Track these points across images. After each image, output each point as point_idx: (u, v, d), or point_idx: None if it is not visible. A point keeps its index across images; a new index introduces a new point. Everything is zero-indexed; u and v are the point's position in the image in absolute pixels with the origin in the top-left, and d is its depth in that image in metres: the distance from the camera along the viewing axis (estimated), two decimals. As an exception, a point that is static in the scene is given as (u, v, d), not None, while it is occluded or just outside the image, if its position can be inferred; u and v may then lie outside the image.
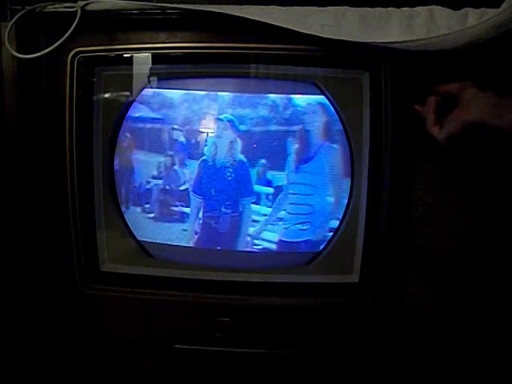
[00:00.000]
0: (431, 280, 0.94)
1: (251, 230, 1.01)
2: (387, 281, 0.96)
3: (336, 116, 0.94)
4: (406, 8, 0.85)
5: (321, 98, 0.94)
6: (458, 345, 0.95)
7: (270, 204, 1.00)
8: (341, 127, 0.95)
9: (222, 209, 1.00)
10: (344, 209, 0.97)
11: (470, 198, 0.91)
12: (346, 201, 0.97)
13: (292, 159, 0.97)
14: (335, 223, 0.98)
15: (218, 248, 1.03)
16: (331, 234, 0.99)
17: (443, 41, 0.80)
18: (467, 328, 0.94)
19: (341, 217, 0.98)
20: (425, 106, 0.86)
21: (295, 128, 0.97)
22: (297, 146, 0.97)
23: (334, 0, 0.86)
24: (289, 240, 1.01)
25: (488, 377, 0.94)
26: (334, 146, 0.97)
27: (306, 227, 1.00)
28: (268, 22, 0.83)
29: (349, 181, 0.96)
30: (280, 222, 1.00)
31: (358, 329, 0.98)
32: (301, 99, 0.96)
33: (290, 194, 0.99)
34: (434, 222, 0.93)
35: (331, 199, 0.99)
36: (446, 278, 0.94)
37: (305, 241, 1.01)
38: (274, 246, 1.02)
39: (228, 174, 0.99)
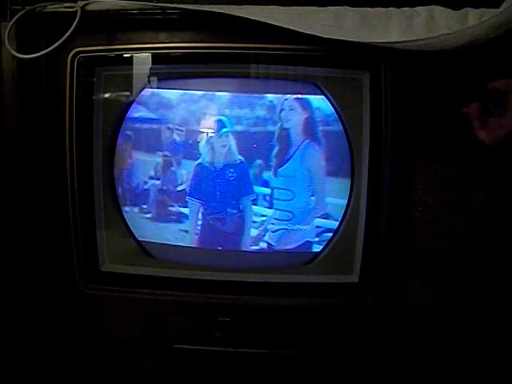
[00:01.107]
0: (431, 280, 0.94)
1: (251, 231, 1.01)
2: (387, 281, 0.96)
3: (336, 116, 0.94)
4: (406, 8, 0.85)
5: (321, 97, 0.95)
6: (459, 345, 0.95)
7: (267, 205, 1.00)
8: (341, 127, 0.95)
9: (220, 210, 1.00)
10: (344, 209, 0.97)
11: (470, 198, 0.91)
12: (345, 201, 0.97)
13: (293, 159, 0.98)
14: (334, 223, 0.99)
15: (219, 248, 1.03)
16: (331, 234, 0.99)
17: (443, 41, 0.80)
18: (467, 328, 0.94)
19: (340, 217, 0.98)
20: (470, 108, 0.84)
21: (294, 128, 0.97)
22: (298, 147, 0.97)
23: (334, 0, 0.86)
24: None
25: (488, 377, 0.94)
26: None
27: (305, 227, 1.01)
28: (268, 21, 0.83)
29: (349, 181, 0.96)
30: (278, 223, 1.01)
31: (358, 329, 0.98)
32: (300, 100, 0.96)
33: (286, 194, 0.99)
34: (434, 222, 0.93)
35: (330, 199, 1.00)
36: (446, 278, 0.94)
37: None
38: (272, 247, 1.02)
39: (225, 175, 0.99)
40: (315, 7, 0.86)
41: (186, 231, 1.02)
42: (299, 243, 1.01)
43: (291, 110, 0.96)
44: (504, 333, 0.93)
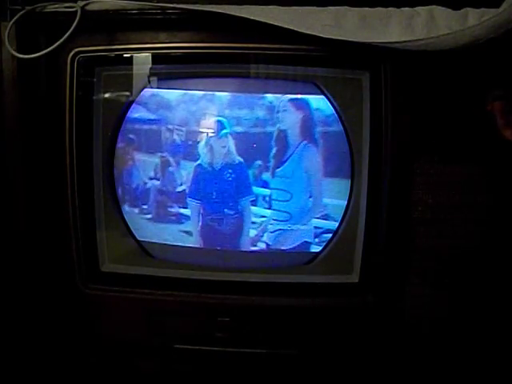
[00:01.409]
0: (431, 280, 0.94)
1: (250, 231, 1.01)
2: (387, 281, 0.96)
3: (336, 116, 0.94)
4: (406, 8, 0.85)
5: (321, 98, 0.94)
6: (459, 345, 0.95)
7: (266, 205, 1.00)
8: (341, 127, 0.94)
9: (220, 210, 1.00)
10: (343, 210, 0.97)
11: (470, 198, 0.91)
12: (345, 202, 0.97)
13: (292, 160, 0.98)
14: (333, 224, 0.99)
15: (218, 248, 1.03)
16: (330, 234, 0.99)
17: (443, 41, 0.80)
18: (467, 328, 0.94)
19: (340, 218, 0.98)
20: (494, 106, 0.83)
21: (293, 129, 0.97)
22: (298, 147, 0.97)
23: (334, 0, 0.86)
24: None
25: (488, 377, 0.94)
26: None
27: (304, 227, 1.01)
28: (268, 21, 0.83)
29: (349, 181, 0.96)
30: (276, 224, 1.01)
31: (359, 329, 0.98)
32: (300, 100, 0.96)
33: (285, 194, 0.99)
34: (434, 222, 0.93)
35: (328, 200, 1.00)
36: (446, 278, 0.94)
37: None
38: (272, 247, 1.02)
39: (224, 175, 0.99)
40: (315, 7, 0.86)
41: (186, 232, 1.02)
42: (297, 243, 1.01)
43: (290, 110, 0.96)
44: (504, 333, 0.93)
